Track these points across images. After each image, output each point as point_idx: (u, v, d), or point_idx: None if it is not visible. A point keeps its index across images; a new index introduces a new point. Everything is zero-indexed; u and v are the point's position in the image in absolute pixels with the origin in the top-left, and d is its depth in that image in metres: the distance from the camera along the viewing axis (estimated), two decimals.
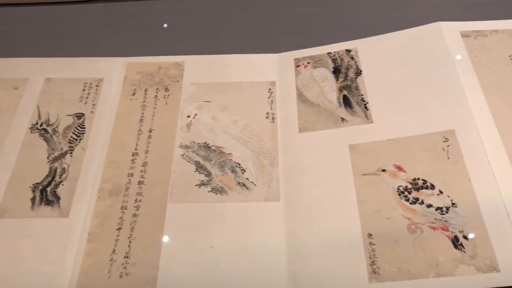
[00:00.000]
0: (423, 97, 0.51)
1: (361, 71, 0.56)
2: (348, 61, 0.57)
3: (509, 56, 0.53)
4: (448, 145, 0.47)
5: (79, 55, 0.60)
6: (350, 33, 0.60)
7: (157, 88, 0.57)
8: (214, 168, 0.50)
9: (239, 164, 0.50)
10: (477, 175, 0.44)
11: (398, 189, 0.45)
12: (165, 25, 0.65)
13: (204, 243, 0.45)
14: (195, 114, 0.54)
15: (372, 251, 0.42)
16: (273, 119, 0.54)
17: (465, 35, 0.55)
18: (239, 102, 0.55)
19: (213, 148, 0.51)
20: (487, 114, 0.48)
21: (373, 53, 0.57)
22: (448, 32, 0.56)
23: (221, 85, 0.57)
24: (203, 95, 0.56)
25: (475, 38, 0.55)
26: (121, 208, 0.48)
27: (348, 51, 0.58)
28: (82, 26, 0.66)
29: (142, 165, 0.51)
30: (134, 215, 0.47)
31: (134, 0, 0.68)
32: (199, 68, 0.59)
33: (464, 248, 0.40)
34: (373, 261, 0.41)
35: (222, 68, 0.59)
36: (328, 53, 0.58)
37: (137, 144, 0.52)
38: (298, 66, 0.58)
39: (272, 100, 0.55)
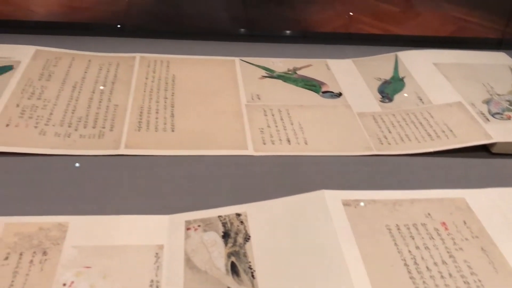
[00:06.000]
0: (307, 267, 0.52)
1: (249, 236, 0.56)
2: (238, 226, 0.57)
3: (386, 226, 0.56)
4: None
5: None
6: (240, 196, 0.61)
7: (34, 252, 0.53)
8: None
9: None
10: None
11: None
12: (77, 164, 0.63)
13: None
14: (72, 282, 0.50)
15: None
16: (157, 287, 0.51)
17: (346, 203, 0.59)
18: (122, 268, 0.52)
19: None
20: (367, 285, 0.49)
21: (261, 218, 0.58)
22: (331, 200, 0.59)
23: (104, 248, 0.54)
24: (83, 259, 0.53)
25: (355, 207, 0.58)
26: None
27: (238, 215, 0.59)
28: None
29: None
30: None
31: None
32: (83, 230, 0.56)
33: None
34: None
35: (108, 230, 0.56)
36: (219, 216, 0.59)
37: None
38: (188, 229, 0.57)
39: (158, 266, 0.53)
